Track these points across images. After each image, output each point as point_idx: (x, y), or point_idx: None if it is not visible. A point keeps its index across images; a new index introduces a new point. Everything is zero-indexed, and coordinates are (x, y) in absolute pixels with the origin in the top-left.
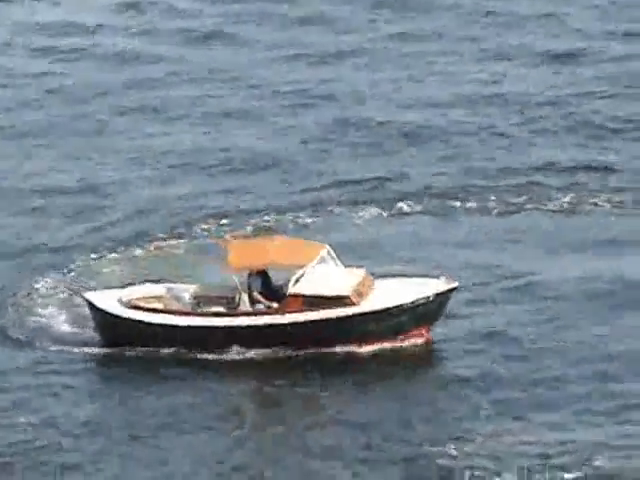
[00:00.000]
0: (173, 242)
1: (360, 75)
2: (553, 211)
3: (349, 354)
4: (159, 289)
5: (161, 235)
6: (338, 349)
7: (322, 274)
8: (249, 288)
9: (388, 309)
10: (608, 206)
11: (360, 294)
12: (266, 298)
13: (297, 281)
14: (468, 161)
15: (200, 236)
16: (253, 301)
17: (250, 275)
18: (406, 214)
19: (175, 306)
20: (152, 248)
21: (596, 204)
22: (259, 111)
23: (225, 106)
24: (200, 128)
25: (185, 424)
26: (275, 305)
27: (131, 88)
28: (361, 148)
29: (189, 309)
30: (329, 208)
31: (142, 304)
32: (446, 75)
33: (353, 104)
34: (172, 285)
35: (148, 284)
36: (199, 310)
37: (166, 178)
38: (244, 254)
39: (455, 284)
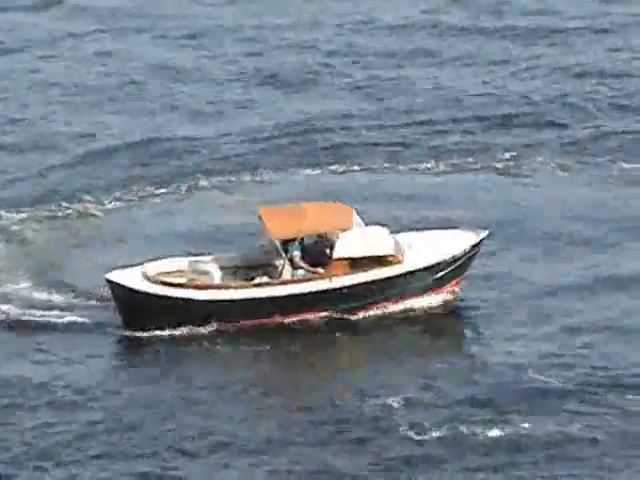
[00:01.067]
0: (96, 204)
1: (286, 33)
2: (498, 170)
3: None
4: (180, 263)
5: (86, 197)
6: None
7: (359, 235)
8: (288, 255)
9: (434, 265)
10: (552, 166)
11: (401, 252)
12: (308, 264)
13: (338, 245)
14: (408, 118)
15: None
16: (294, 268)
17: (286, 242)
18: (342, 172)
19: (202, 280)
20: (80, 209)
21: (541, 163)
22: (177, 65)
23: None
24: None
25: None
26: (320, 270)
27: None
28: (293, 106)
29: (223, 282)
30: (259, 169)
31: (177, 281)
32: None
33: (281, 57)
34: (191, 258)
35: (168, 259)
36: (238, 282)
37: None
38: (287, 221)
39: (486, 233)
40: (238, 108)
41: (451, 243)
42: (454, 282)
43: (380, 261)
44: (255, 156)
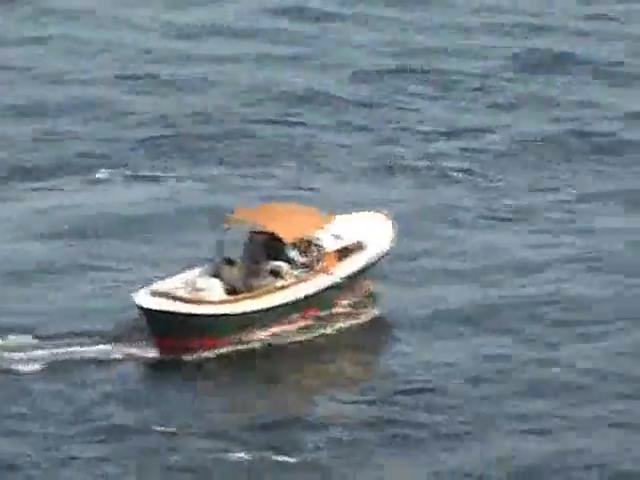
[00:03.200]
0: None
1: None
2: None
3: None
4: (175, 282)
5: None
6: None
7: (336, 227)
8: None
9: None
10: None
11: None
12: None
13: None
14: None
15: None
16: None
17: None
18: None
19: (202, 296)
20: None
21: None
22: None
23: None
24: None
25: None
26: (317, 267)
27: None
28: None
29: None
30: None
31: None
32: None
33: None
34: (183, 275)
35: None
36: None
37: None
38: (291, 224)
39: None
40: None
41: (380, 227)
42: None
43: (352, 250)
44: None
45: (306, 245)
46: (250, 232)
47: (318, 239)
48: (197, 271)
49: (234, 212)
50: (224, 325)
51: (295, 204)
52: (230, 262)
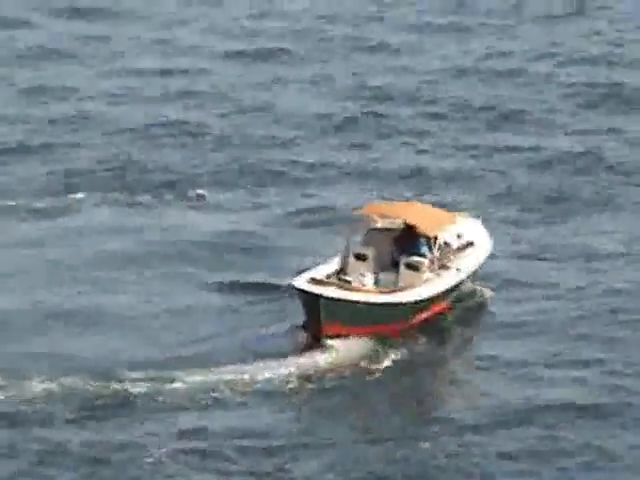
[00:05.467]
0: None
1: None
2: None
3: None
4: (328, 269)
5: None
6: None
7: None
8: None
9: None
10: None
11: None
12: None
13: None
14: None
15: None
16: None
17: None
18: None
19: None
20: None
21: None
22: None
23: None
24: None
25: None
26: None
27: None
28: None
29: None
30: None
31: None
32: None
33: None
34: (325, 265)
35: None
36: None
37: None
38: (431, 219)
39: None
40: None
41: (477, 227)
42: None
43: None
44: None
45: (434, 242)
46: (369, 230)
47: (444, 237)
48: (322, 267)
49: (366, 208)
50: (394, 313)
51: (419, 203)
52: (361, 257)
